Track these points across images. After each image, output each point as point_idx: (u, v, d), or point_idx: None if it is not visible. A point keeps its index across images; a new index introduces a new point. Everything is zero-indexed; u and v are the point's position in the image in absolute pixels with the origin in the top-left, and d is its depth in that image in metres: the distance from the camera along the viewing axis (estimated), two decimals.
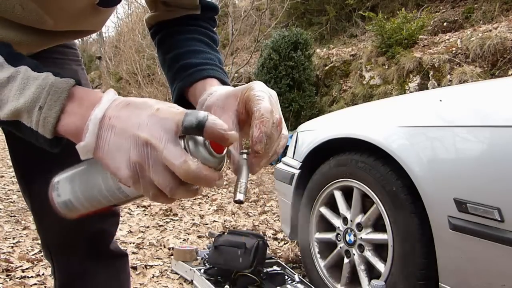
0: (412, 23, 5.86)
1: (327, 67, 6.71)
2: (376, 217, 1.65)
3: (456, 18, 6.55)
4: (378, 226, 1.67)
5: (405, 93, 5.14)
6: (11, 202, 3.36)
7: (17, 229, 2.69)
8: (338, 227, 1.81)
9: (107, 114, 0.41)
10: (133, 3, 10.18)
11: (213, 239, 2.17)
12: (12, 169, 4.62)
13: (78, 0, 0.60)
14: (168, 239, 2.67)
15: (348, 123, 1.91)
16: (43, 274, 2.02)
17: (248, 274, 1.84)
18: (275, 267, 2.09)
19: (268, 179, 4.61)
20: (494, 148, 1.22)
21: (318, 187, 1.92)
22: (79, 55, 0.86)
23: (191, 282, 2.03)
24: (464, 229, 1.25)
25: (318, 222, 1.95)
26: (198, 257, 2.21)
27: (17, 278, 1.97)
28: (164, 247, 2.53)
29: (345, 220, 1.79)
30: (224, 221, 3.17)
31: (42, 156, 0.46)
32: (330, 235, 1.87)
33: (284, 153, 2.20)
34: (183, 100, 0.64)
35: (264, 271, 1.97)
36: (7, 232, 2.62)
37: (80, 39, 13.13)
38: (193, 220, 3.15)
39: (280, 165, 2.26)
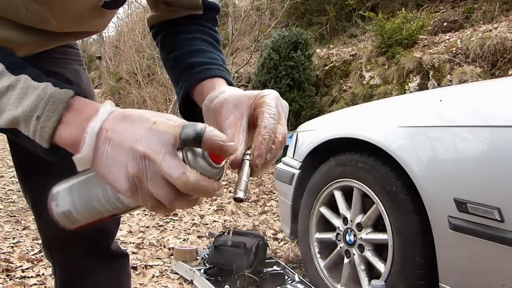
0: (412, 23, 5.86)
1: (327, 67, 6.71)
2: (376, 217, 1.65)
3: (456, 18, 6.55)
4: (378, 226, 1.67)
5: (405, 93, 5.14)
6: (11, 202, 3.37)
7: (17, 229, 2.69)
8: (338, 227, 1.81)
9: (104, 127, 0.42)
10: (133, 3, 10.16)
11: (213, 239, 2.17)
12: (12, 169, 4.64)
13: (82, 2, 0.60)
14: (168, 239, 2.67)
15: (348, 123, 1.91)
16: (43, 274, 2.02)
17: (248, 274, 1.84)
18: (275, 267, 2.09)
19: (268, 179, 4.61)
20: (494, 148, 1.22)
21: (318, 187, 1.92)
22: (81, 55, 0.86)
23: (191, 282, 2.03)
24: (464, 229, 1.25)
25: (318, 222, 1.95)
26: (198, 257, 2.21)
27: (17, 278, 1.97)
28: (164, 247, 2.53)
29: (345, 220, 1.79)
30: (224, 221, 3.17)
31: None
32: (330, 235, 1.87)
33: (284, 153, 2.20)
34: (188, 99, 0.64)
35: (264, 271, 1.97)
36: (7, 232, 2.62)
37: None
38: (193, 220, 3.15)
39: (280, 165, 2.26)
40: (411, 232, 1.45)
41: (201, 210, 3.41)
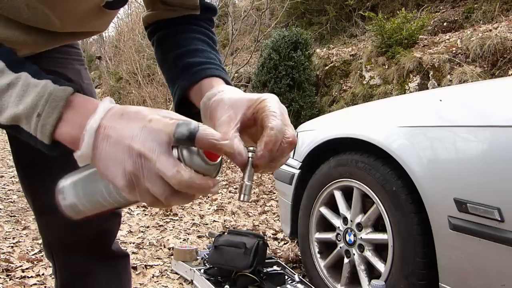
0: (412, 23, 5.85)
1: (327, 67, 6.71)
2: (376, 217, 1.65)
3: (456, 18, 6.55)
4: (378, 226, 1.67)
5: (405, 93, 5.14)
6: (11, 202, 3.37)
7: (17, 229, 2.69)
8: (338, 227, 1.81)
9: (102, 124, 0.43)
10: (133, 3, 10.15)
11: (213, 239, 2.17)
12: (12, 169, 4.63)
13: (85, 2, 0.60)
14: (168, 239, 2.67)
15: (348, 123, 1.91)
16: (43, 274, 2.02)
17: (248, 274, 1.84)
18: (275, 267, 2.09)
19: (268, 179, 4.60)
20: (494, 148, 1.22)
21: (318, 187, 1.92)
22: (82, 55, 0.86)
23: (191, 282, 2.03)
24: (464, 229, 1.25)
25: (318, 222, 1.95)
26: (198, 257, 2.21)
27: (17, 278, 1.97)
28: (164, 247, 2.53)
29: (345, 220, 1.79)
30: (224, 221, 3.17)
31: (44, 154, 0.47)
32: (330, 235, 1.87)
33: None
34: (185, 99, 0.64)
35: (264, 271, 1.97)
36: (7, 232, 2.62)
37: None
38: (193, 220, 3.15)
39: None
40: (411, 232, 1.45)
41: (201, 210, 3.41)
